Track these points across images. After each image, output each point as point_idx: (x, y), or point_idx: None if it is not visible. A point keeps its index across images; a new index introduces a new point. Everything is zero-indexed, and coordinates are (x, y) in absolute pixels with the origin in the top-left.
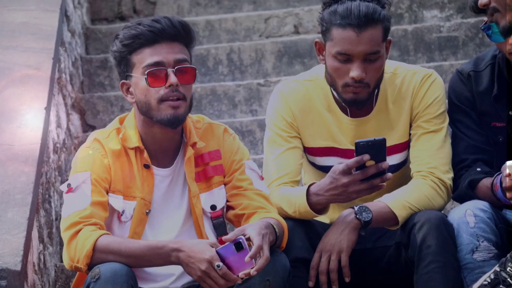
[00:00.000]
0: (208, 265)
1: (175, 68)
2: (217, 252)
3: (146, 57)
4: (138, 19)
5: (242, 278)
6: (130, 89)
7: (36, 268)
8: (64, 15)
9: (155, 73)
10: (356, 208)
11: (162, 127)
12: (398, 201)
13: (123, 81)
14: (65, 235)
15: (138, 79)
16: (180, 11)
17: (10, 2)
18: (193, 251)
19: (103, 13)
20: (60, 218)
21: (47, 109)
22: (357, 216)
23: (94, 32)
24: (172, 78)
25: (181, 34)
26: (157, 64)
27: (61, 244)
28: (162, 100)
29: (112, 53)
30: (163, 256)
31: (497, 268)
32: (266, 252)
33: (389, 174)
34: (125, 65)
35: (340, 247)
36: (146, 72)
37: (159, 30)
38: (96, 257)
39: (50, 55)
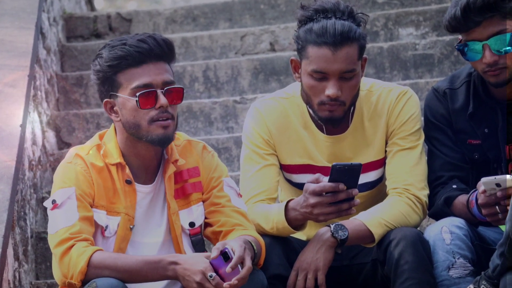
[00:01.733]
0: (202, 276)
1: (164, 89)
2: (210, 263)
3: (134, 78)
4: (121, 37)
5: None
6: (114, 108)
7: (11, 286)
8: (40, 33)
9: (146, 95)
10: (332, 226)
11: (147, 145)
12: (374, 219)
13: (106, 100)
14: (56, 251)
15: (125, 100)
16: (156, 28)
17: None
18: (188, 264)
19: (78, 31)
20: (35, 236)
21: (23, 126)
22: (334, 235)
23: (69, 49)
24: (162, 100)
25: (166, 53)
26: (146, 86)
27: (36, 261)
28: (152, 121)
29: (95, 73)
30: (160, 271)
31: (471, 286)
32: (247, 262)
33: (357, 201)
34: (109, 85)
35: (317, 265)
36: (137, 95)
37: (146, 50)
38: (91, 272)
39: (25, 72)
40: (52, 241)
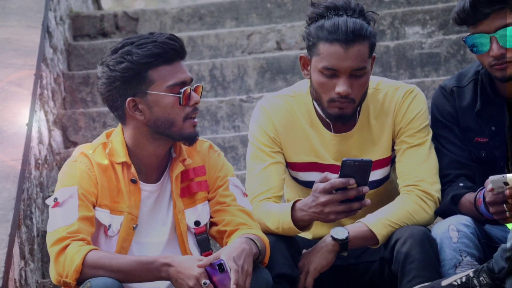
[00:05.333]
0: (195, 281)
1: (194, 86)
2: (205, 269)
3: (168, 75)
4: (143, 35)
5: None
6: (139, 106)
7: (18, 284)
8: (46, 31)
9: (187, 92)
10: (332, 230)
11: (161, 144)
12: (377, 220)
13: (131, 98)
14: (52, 250)
15: (160, 96)
16: (163, 27)
17: None
18: (182, 267)
19: (85, 30)
20: (42, 235)
21: (29, 125)
22: (333, 236)
23: (76, 48)
24: (196, 97)
25: (185, 53)
26: (184, 83)
27: (42, 260)
28: (186, 118)
29: (123, 70)
30: (153, 271)
31: (470, 273)
32: (246, 269)
33: (368, 201)
34: (138, 82)
35: (308, 268)
36: (181, 91)
37: (178, 48)
38: (86, 272)
39: (32, 71)
40: (49, 239)
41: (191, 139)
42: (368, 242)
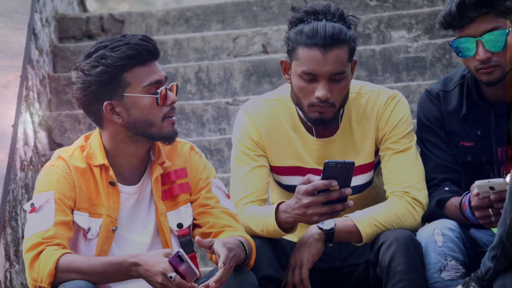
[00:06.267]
0: (163, 277)
1: (169, 86)
2: (169, 262)
3: (143, 76)
4: (116, 38)
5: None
6: (117, 109)
7: (3, 286)
8: (32, 33)
9: (163, 92)
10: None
11: (139, 145)
12: (364, 217)
13: (108, 101)
14: (27, 257)
15: (137, 98)
16: (149, 29)
17: None
18: (148, 265)
19: (71, 32)
20: None
21: (15, 126)
22: (319, 226)
23: (62, 50)
24: (173, 96)
25: (159, 53)
26: (159, 82)
27: None
28: (165, 117)
29: (98, 74)
30: (124, 271)
31: (460, 287)
32: (231, 265)
33: (351, 202)
34: (114, 85)
35: (301, 260)
36: (157, 91)
37: (152, 49)
38: (59, 276)
39: (18, 72)
40: (25, 245)
41: (170, 138)
42: (352, 238)
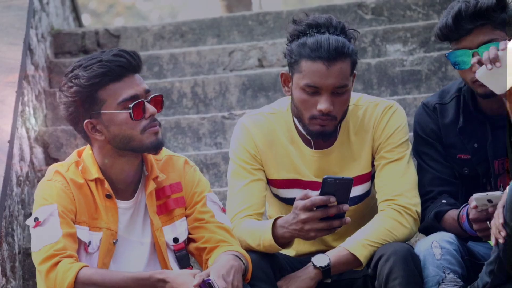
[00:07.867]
0: None
1: (149, 98)
2: (200, 287)
3: (117, 92)
4: (91, 56)
5: None
6: (97, 127)
7: None
8: (28, 49)
9: (136, 106)
10: (313, 258)
11: (129, 159)
12: (356, 242)
13: (88, 120)
14: (42, 268)
15: (113, 115)
16: (144, 44)
17: None
18: (176, 283)
19: (66, 47)
20: (23, 252)
21: (11, 142)
22: (314, 263)
23: (57, 65)
24: (151, 109)
25: (139, 65)
26: (134, 97)
27: (24, 278)
28: (144, 130)
29: (72, 94)
30: (148, 287)
31: None
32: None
33: (348, 218)
34: (90, 104)
35: None
36: (130, 106)
37: (125, 64)
38: None
39: (13, 88)
40: (36, 258)
41: (155, 148)
42: (351, 266)
